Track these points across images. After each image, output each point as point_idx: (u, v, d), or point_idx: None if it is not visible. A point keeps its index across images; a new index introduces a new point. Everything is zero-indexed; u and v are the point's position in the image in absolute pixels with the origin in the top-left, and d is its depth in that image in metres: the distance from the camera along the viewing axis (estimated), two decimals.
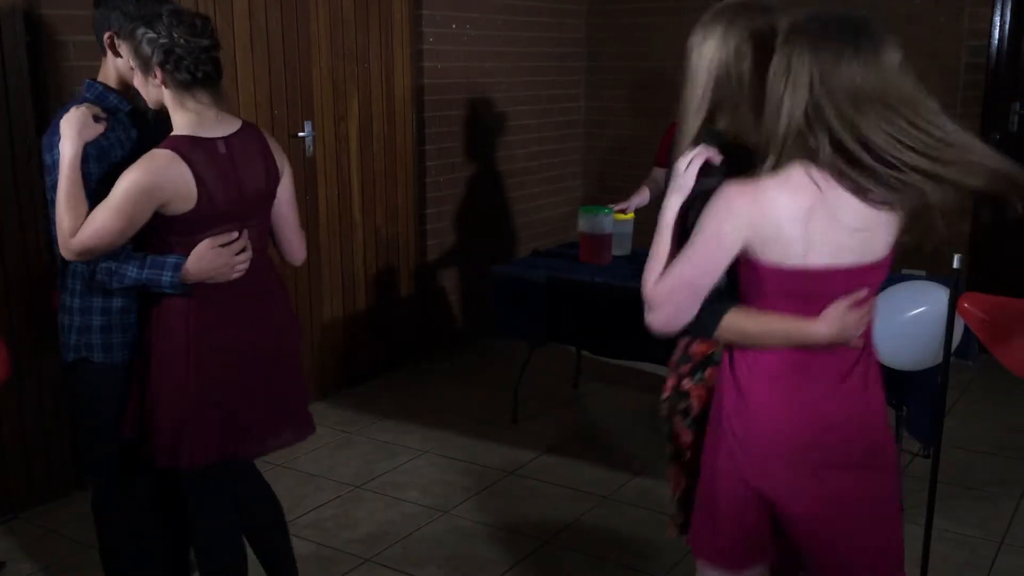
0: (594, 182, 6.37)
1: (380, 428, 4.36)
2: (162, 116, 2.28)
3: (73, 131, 2.18)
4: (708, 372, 1.99)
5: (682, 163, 1.81)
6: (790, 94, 1.67)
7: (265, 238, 2.41)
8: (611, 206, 4.07)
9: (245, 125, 2.32)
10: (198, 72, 2.17)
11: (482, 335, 5.54)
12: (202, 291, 2.24)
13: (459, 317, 5.56)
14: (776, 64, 1.70)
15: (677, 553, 3.18)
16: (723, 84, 1.83)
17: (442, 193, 5.29)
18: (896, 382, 3.11)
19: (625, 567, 3.14)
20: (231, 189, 2.22)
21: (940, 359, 2.83)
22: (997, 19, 5.03)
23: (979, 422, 4.32)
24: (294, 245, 2.48)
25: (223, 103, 2.28)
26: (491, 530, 3.41)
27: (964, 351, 3.19)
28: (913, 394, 3.25)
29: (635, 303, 1.90)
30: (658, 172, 4.07)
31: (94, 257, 2.20)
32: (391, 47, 4.89)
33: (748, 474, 1.85)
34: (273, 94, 4.25)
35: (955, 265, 2.73)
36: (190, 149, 2.17)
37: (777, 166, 1.70)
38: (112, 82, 2.35)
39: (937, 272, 3.41)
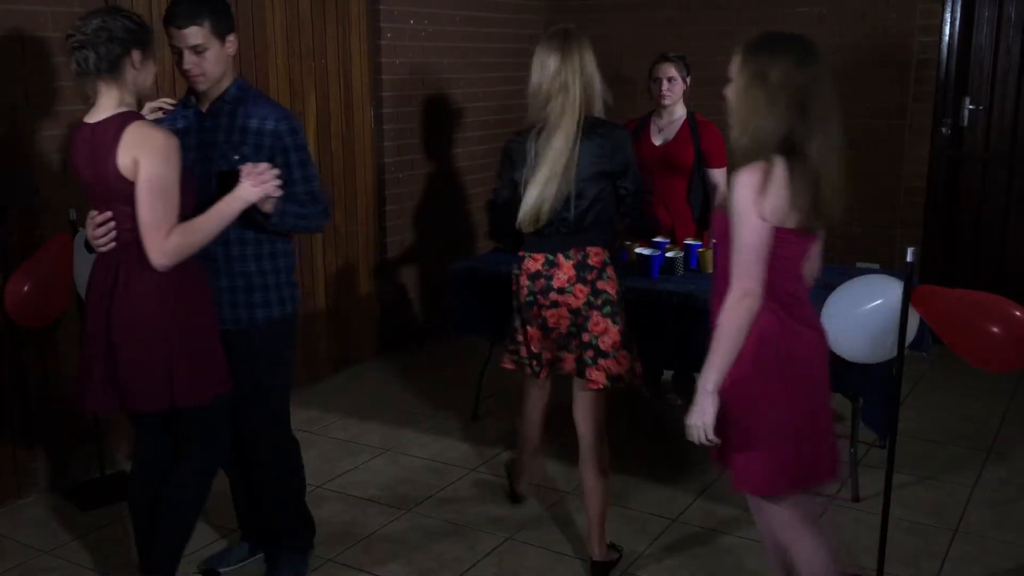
0: None
1: (340, 427, 4.34)
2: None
3: None
4: (609, 270, 2.90)
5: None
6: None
7: (131, 224, 2.43)
8: None
9: (114, 117, 2.43)
10: (72, 63, 2.42)
11: (443, 332, 5.53)
12: (97, 254, 2.59)
13: (419, 314, 5.55)
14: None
15: (640, 544, 3.20)
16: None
17: (401, 190, 5.27)
18: (851, 374, 3.16)
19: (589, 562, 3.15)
20: (84, 171, 2.48)
21: (895, 351, 2.87)
22: (948, 15, 5.12)
23: (933, 412, 4.39)
24: (145, 244, 2.40)
25: (116, 92, 2.44)
26: (454, 527, 3.41)
27: (918, 343, 3.24)
28: (868, 386, 3.29)
29: None
30: None
31: None
32: (348, 43, 4.85)
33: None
34: None
35: (909, 259, 2.78)
36: (73, 131, 2.53)
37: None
38: None
39: (891, 266, 3.46)
